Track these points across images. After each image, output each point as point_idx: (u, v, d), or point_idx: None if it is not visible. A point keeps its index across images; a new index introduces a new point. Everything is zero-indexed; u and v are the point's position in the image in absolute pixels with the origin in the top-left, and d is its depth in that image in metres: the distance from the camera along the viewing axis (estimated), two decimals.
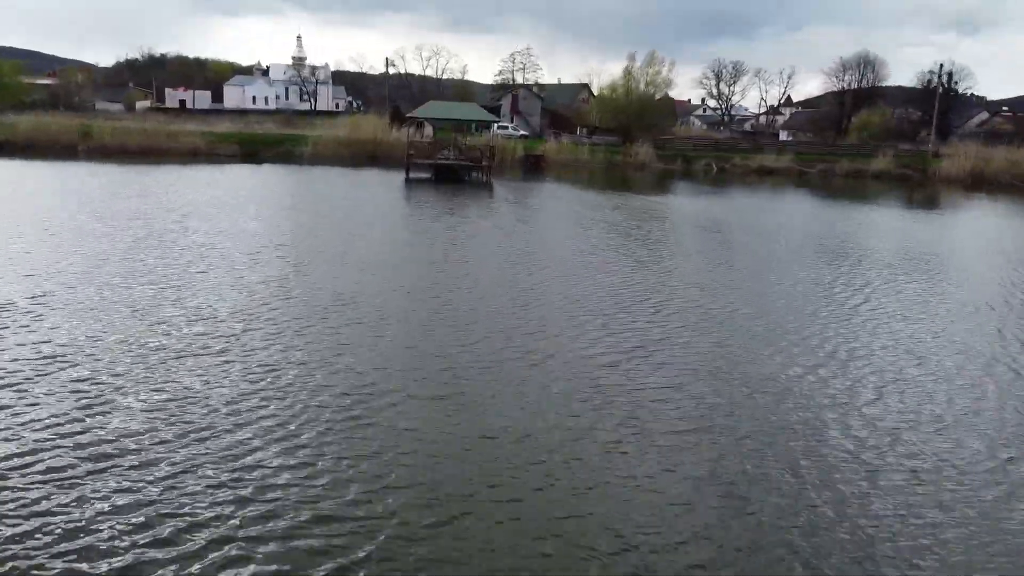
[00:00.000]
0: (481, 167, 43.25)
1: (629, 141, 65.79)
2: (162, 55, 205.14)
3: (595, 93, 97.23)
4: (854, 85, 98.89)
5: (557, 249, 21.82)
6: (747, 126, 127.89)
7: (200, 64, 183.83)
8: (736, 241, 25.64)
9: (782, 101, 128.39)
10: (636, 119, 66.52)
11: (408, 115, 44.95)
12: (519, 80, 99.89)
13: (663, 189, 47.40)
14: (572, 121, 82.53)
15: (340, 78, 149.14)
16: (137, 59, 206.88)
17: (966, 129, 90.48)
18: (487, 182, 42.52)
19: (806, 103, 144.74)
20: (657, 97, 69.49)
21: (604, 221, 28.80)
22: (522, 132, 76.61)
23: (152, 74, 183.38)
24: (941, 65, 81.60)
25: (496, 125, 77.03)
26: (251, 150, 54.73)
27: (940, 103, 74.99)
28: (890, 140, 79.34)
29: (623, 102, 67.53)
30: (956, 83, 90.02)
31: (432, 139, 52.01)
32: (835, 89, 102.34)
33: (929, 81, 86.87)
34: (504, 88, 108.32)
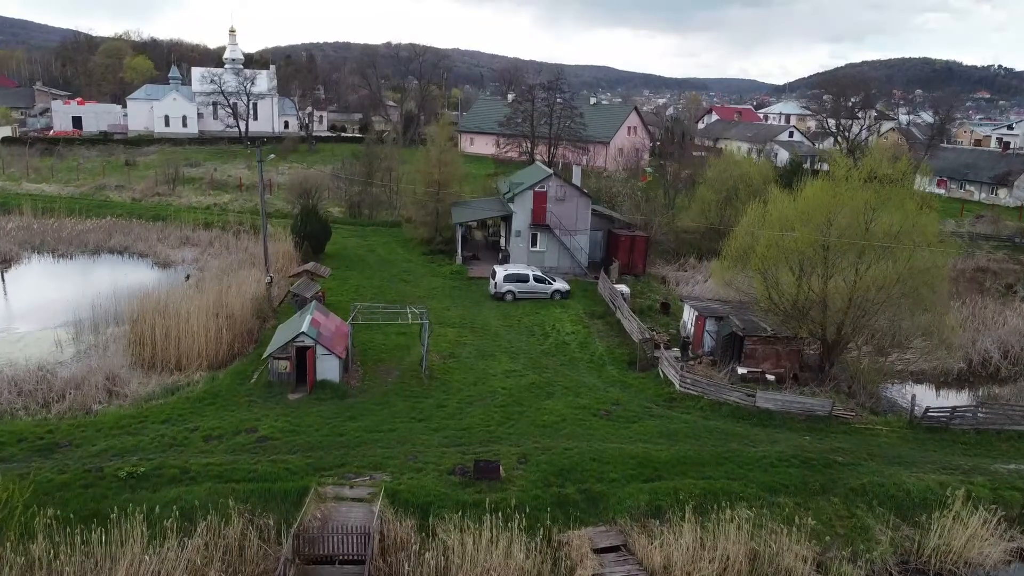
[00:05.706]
0: None
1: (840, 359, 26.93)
2: (116, 35, 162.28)
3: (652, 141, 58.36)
4: None
5: None
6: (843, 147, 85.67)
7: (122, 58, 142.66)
8: None
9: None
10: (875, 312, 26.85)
11: None
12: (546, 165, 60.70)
13: None
14: (651, 239, 42.47)
15: (289, 83, 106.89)
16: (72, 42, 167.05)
17: None
18: None
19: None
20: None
21: None
22: (559, 285, 37.21)
23: (84, 64, 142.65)
24: None
25: (503, 273, 37.54)
26: None
27: None
28: None
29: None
30: None
31: None
32: None
33: None
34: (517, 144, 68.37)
